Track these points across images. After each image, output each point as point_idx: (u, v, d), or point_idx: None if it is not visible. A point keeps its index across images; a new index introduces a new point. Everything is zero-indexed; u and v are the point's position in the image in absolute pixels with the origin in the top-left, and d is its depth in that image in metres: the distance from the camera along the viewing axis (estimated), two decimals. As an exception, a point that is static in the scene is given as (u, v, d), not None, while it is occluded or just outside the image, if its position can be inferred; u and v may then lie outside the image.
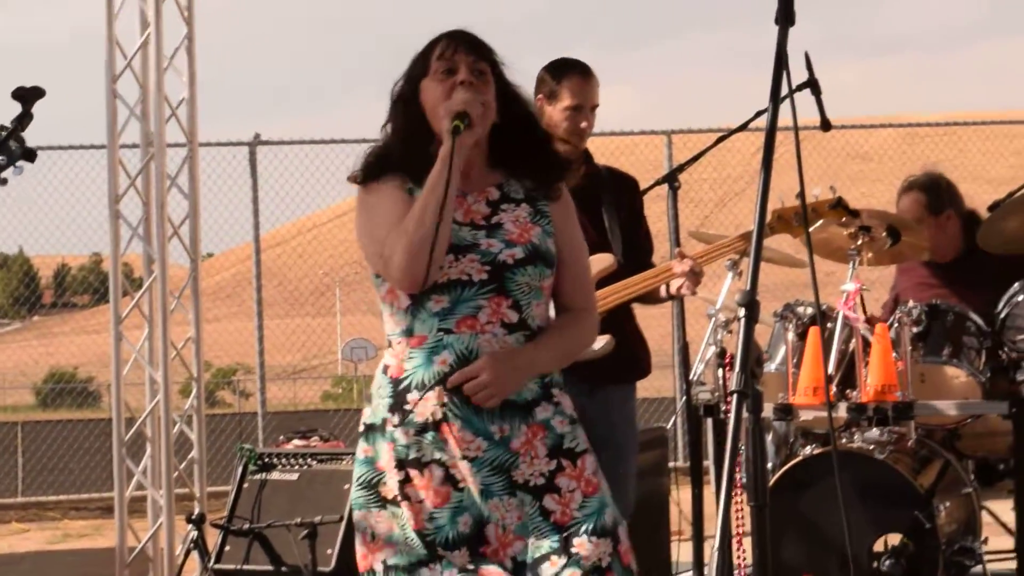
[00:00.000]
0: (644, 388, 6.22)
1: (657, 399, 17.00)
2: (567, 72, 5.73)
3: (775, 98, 2.96)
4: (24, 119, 3.49)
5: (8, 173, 3.66)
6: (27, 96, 3.49)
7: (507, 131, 3.87)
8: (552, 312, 3.92)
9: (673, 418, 9.82)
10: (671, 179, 6.36)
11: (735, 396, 2.78)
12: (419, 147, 3.82)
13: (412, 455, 3.71)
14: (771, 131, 2.92)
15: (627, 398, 5.81)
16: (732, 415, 2.74)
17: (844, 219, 5.97)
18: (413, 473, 3.72)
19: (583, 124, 5.69)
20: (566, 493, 3.71)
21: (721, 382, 6.33)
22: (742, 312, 2.83)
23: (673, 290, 5.61)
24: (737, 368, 2.76)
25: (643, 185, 6.23)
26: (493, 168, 3.90)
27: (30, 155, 3.59)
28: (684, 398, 6.60)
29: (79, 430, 18.38)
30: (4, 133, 3.62)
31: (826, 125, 6.24)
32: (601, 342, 5.51)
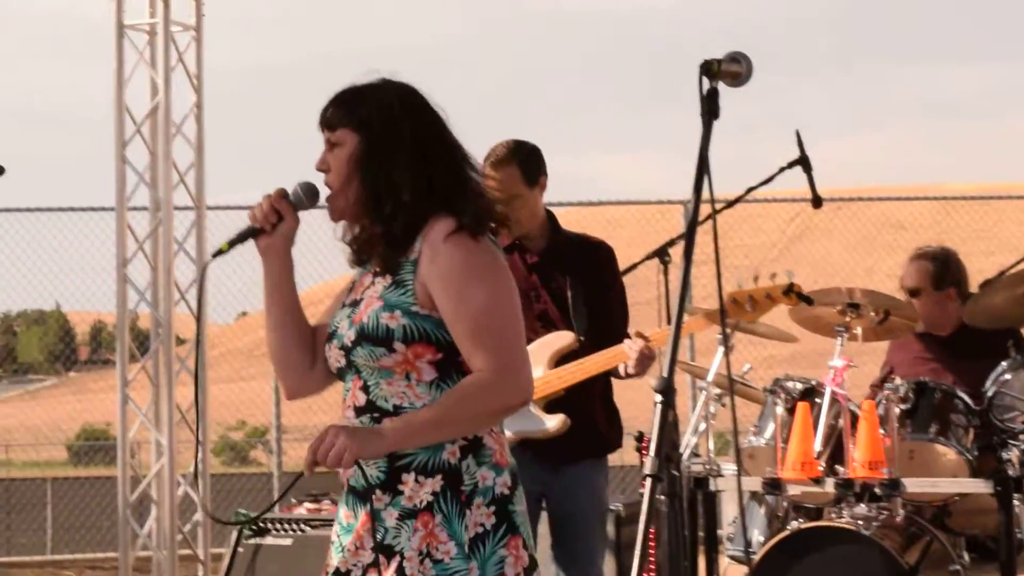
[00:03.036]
0: (633, 457, 6.24)
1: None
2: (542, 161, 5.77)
3: (698, 191, 2.99)
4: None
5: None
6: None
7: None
8: None
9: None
10: (662, 253, 6.38)
11: (648, 480, 2.80)
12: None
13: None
14: (692, 224, 2.96)
15: (594, 473, 5.82)
16: (645, 498, 2.77)
17: (798, 304, 5.98)
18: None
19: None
20: None
21: (712, 456, 6.36)
22: (658, 398, 2.86)
23: (626, 371, 5.63)
24: (652, 452, 2.79)
25: (676, 253, 6.27)
26: None
27: None
28: (672, 471, 6.59)
29: (108, 487, 18.45)
30: None
31: (817, 201, 6.28)
32: (554, 421, 5.58)
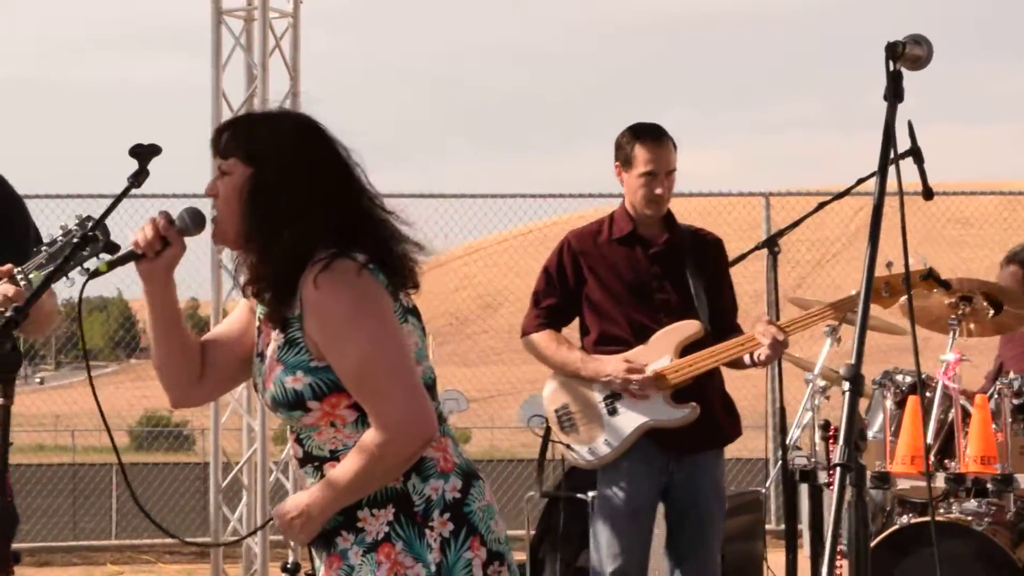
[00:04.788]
0: (735, 449, 6.23)
1: (750, 459, 16.89)
2: (640, 137, 5.74)
3: (883, 173, 2.96)
4: (140, 176, 3.55)
5: (92, 263, 3.73)
6: (143, 153, 3.55)
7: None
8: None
9: (768, 482, 9.77)
10: (771, 244, 6.35)
11: (838, 469, 2.77)
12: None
13: None
14: (878, 206, 2.92)
15: (713, 464, 5.83)
16: (836, 488, 2.74)
17: (935, 290, 5.94)
18: None
19: (658, 191, 5.70)
20: None
21: (818, 448, 6.33)
22: (846, 386, 2.84)
23: (758, 358, 5.62)
24: (841, 441, 2.76)
25: (742, 247, 6.24)
26: None
27: (113, 249, 3.66)
28: (780, 463, 6.58)
29: (172, 473, 18.53)
30: (90, 224, 3.70)
31: (928, 193, 6.22)
32: (684, 411, 5.60)
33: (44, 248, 4.02)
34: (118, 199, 3.56)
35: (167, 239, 3.53)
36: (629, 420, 5.68)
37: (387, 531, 3.44)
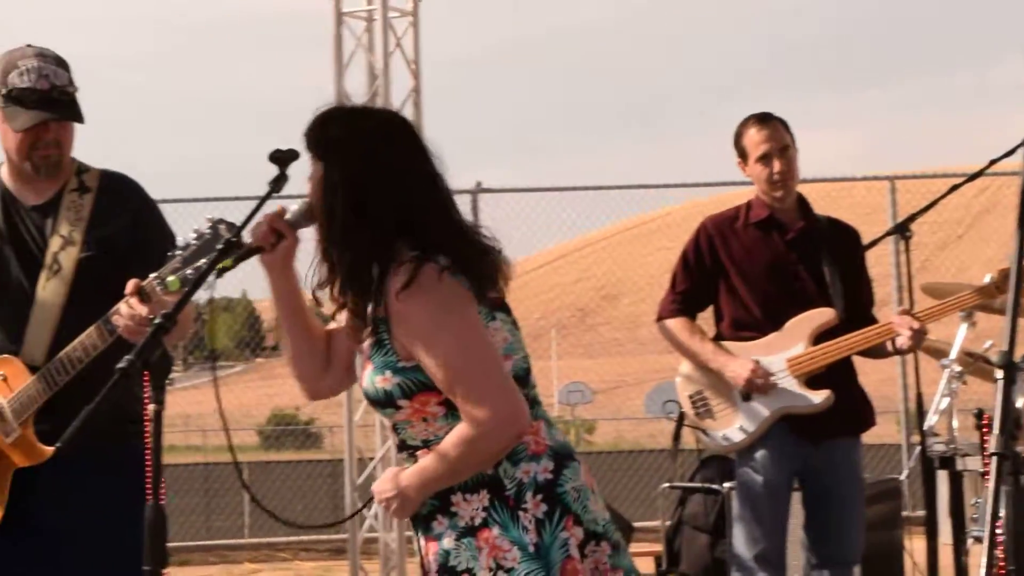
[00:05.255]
0: (868, 434, 6.19)
1: (882, 445, 16.74)
2: (743, 127, 5.82)
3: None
4: (280, 181, 3.59)
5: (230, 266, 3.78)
6: (283, 158, 3.58)
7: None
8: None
9: (905, 469, 9.67)
10: (903, 229, 6.28)
11: (994, 459, 2.74)
12: None
13: None
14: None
15: (851, 450, 5.85)
16: (992, 478, 2.71)
17: None
18: None
19: (776, 168, 5.69)
20: None
21: (956, 435, 6.26)
22: (999, 373, 2.80)
23: (899, 344, 5.64)
24: (996, 430, 2.73)
25: (870, 233, 6.19)
26: None
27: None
28: (919, 449, 6.50)
29: (302, 470, 18.71)
30: (233, 230, 3.75)
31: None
32: (820, 396, 5.62)
33: (178, 252, 4.07)
34: (260, 204, 3.60)
35: (281, 232, 3.62)
36: (764, 406, 5.70)
37: (484, 516, 3.49)
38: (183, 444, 40.44)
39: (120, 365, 3.30)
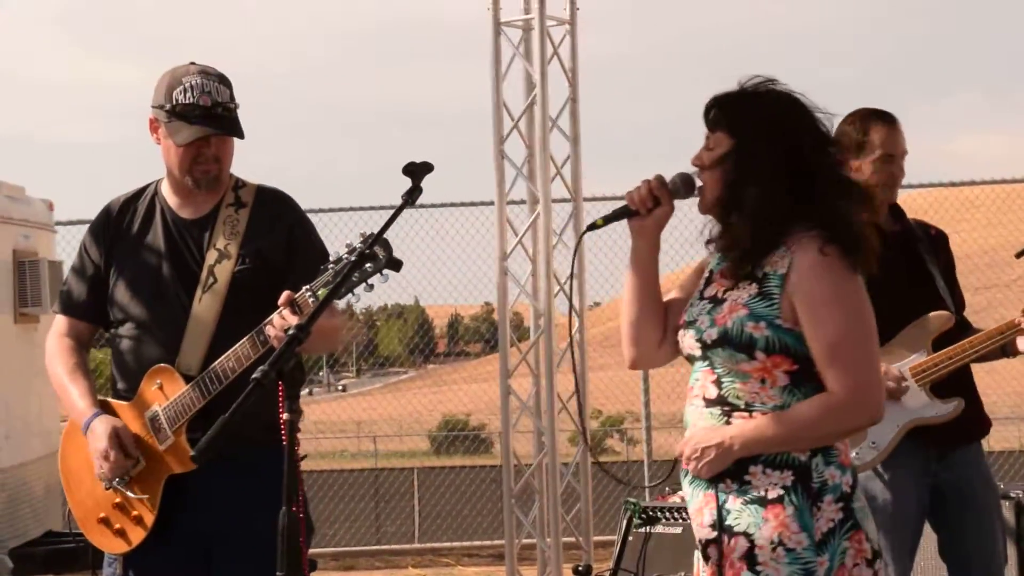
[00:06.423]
0: (1008, 440, 6.07)
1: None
2: (873, 122, 5.62)
3: None
4: (414, 193, 3.66)
5: (376, 280, 3.85)
6: (416, 171, 3.65)
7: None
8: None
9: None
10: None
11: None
12: None
13: None
14: None
15: (979, 456, 5.65)
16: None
17: None
18: None
19: (897, 173, 5.60)
20: (712, 565, 3.74)
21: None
22: None
23: (1020, 347, 5.46)
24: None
25: (1012, 236, 6.07)
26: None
27: (396, 264, 3.79)
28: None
29: (471, 476, 18.81)
30: (371, 239, 3.81)
31: None
32: (950, 405, 5.42)
33: (331, 265, 4.15)
34: (394, 216, 3.67)
35: (659, 198, 3.83)
36: (892, 419, 5.39)
37: (781, 494, 3.65)
38: (356, 450, 40.85)
39: (254, 375, 3.38)
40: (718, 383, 3.73)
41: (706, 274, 3.90)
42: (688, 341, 3.82)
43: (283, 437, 4.31)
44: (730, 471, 3.68)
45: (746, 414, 3.69)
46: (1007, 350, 5.51)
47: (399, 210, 3.63)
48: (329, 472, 19.90)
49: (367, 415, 41.98)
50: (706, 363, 3.77)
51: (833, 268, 3.65)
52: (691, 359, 3.83)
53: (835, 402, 3.64)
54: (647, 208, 3.83)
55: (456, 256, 16.69)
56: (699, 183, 3.82)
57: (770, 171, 3.68)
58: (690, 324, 3.81)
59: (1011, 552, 6.72)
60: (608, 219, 3.86)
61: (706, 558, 3.74)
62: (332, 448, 39.43)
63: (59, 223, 11.42)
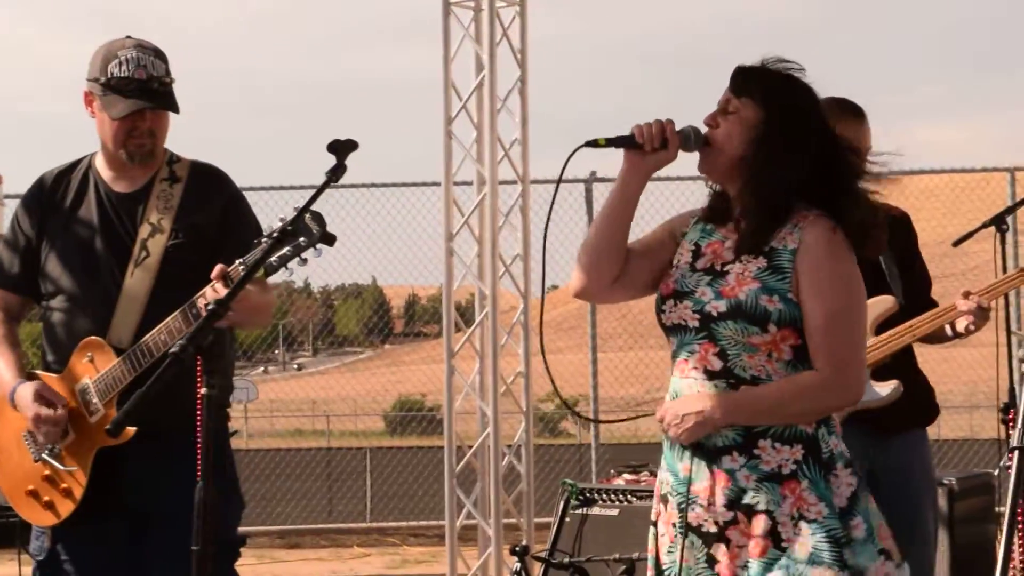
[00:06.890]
0: (961, 428, 6.10)
1: (976, 440, 16.47)
2: (842, 116, 5.61)
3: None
4: (338, 171, 3.66)
5: (310, 254, 3.86)
6: (340, 148, 3.66)
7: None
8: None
9: (1000, 462, 9.55)
10: (999, 222, 6.17)
11: (1016, 452, 2.73)
12: None
13: (663, 489, 3.91)
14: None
15: (922, 443, 5.65)
16: (1014, 472, 2.70)
17: None
18: (660, 506, 3.92)
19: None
20: (734, 547, 3.72)
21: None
22: (1022, 367, 2.79)
23: (960, 328, 5.48)
24: (1020, 423, 2.72)
25: (969, 226, 6.10)
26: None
27: (329, 239, 3.79)
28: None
29: (423, 457, 18.83)
30: (305, 213, 3.81)
31: None
32: (888, 388, 5.41)
33: (265, 240, 4.15)
34: (317, 193, 3.68)
35: (666, 141, 3.83)
36: None
37: (794, 468, 3.69)
38: (310, 429, 40.84)
39: (172, 350, 3.38)
40: (723, 355, 3.74)
41: (690, 246, 3.91)
42: (682, 312, 3.80)
43: (225, 414, 4.33)
44: (739, 444, 3.70)
45: (751, 386, 3.73)
46: (955, 329, 5.53)
47: (322, 187, 3.64)
48: (285, 451, 19.91)
49: (323, 394, 41.96)
50: (702, 335, 3.76)
51: (841, 247, 3.73)
52: (678, 331, 3.82)
53: (818, 380, 3.69)
54: (652, 147, 3.83)
55: (413, 236, 16.69)
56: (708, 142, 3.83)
57: (797, 148, 3.74)
58: (685, 295, 3.81)
59: (943, 538, 6.79)
60: (610, 142, 3.83)
61: (726, 542, 3.72)
62: (286, 427, 39.38)
63: (8, 196, 11.36)
